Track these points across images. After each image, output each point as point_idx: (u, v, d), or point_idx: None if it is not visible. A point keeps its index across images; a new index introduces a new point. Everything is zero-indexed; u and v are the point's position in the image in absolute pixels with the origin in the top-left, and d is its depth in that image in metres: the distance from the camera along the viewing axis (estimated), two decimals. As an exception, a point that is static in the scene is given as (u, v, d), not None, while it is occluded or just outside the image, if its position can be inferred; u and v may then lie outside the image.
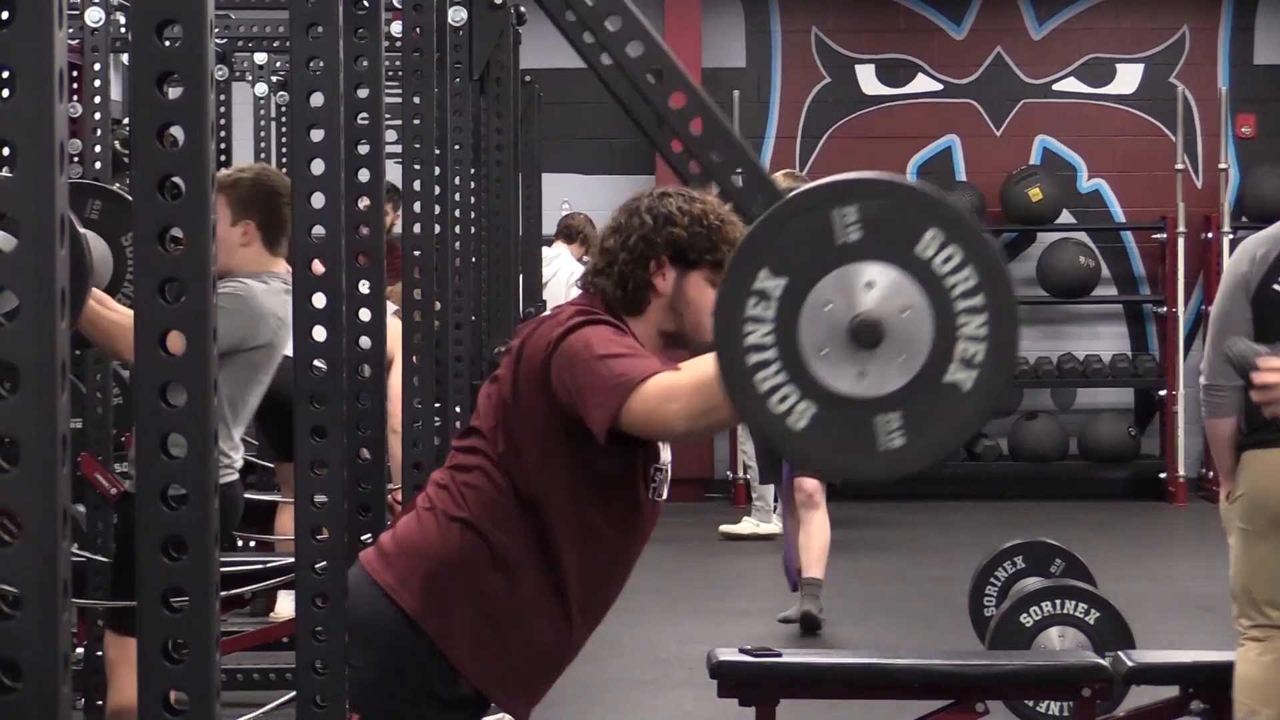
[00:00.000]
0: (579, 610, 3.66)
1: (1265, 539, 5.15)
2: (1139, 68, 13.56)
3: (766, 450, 8.18)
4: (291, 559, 3.52)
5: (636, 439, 3.50)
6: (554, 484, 3.56)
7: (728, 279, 2.95)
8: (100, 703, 6.54)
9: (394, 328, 5.45)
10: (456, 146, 6.34)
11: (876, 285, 2.94)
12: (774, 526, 11.11)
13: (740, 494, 12.57)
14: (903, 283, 2.95)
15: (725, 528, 11.37)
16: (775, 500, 11.46)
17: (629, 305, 3.63)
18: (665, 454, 3.69)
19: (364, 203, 3.67)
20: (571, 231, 11.56)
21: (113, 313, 5.05)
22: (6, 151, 1.68)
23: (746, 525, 11.32)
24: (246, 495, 8.41)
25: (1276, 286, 5.16)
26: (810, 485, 8.23)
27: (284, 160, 11.32)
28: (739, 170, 3.15)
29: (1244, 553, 5.20)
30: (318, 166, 3.28)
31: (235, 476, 5.73)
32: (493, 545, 3.57)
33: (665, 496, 3.72)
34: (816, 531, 8.25)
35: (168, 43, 1.98)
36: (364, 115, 3.65)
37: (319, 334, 3.29)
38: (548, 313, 3.70)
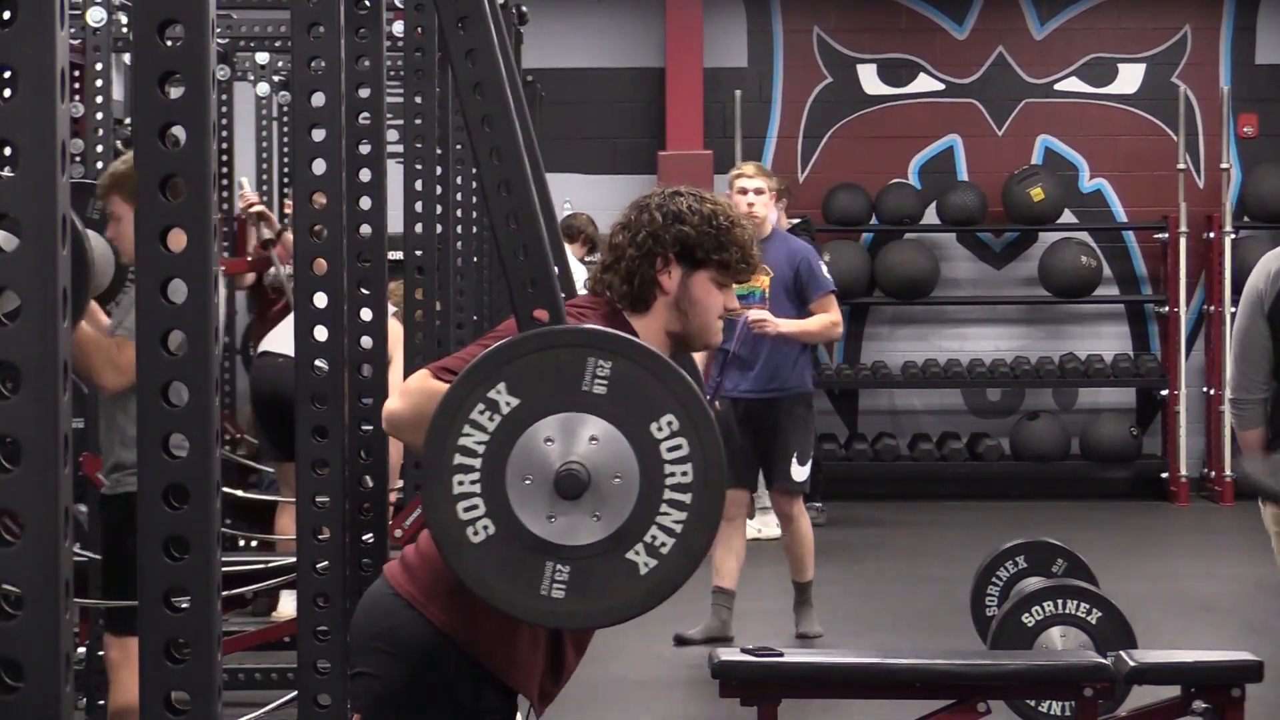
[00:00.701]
0: None
1: None
2: (1141, 67, 13.56)
3: (731, 452, 7.98)
4: (293, 559, 3.52)
5: None
6: None
7: (466, 376, 2.99)
8: (101, 703, 6.53)
9: (394, 329, 5.44)
10: (458, 146, 6.34)
11: (599, 442, 2.99)
12: (776, 530, 11.09)
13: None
14: (624, 451, 2.99)
15: None
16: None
17: (635, 302, 3.64)
18: None
19: (364, 201, 3.67)
20: (573, 231, 11.55)
21: (87, 328, 5.01)
22: (8, 151, 1.68)
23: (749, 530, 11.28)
24: (247, 495, 8.43)
25: None
26: (785, 498, 8.23)
27: (286, 160, 11.32)
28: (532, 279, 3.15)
29: None
30: (319, 166, 3.28)
31: None
32: None
33: None
34: (801, 537, 8.22)
35: (169, 42, 1.98)
36: (365, 115, 3.65)
37: (320, 334, 3.29)
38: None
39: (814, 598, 8.26)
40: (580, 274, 11.37)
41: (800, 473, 8.11)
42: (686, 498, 3.01)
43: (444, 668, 3.55)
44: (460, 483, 3.00)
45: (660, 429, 3.00)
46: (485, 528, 3.00)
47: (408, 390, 3.38)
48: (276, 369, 8.48)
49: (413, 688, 3.55)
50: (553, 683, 3.70)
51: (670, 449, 3.01)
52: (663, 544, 3.02)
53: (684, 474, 3.01)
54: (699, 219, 3.65)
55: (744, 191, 7.95)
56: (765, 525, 11.19)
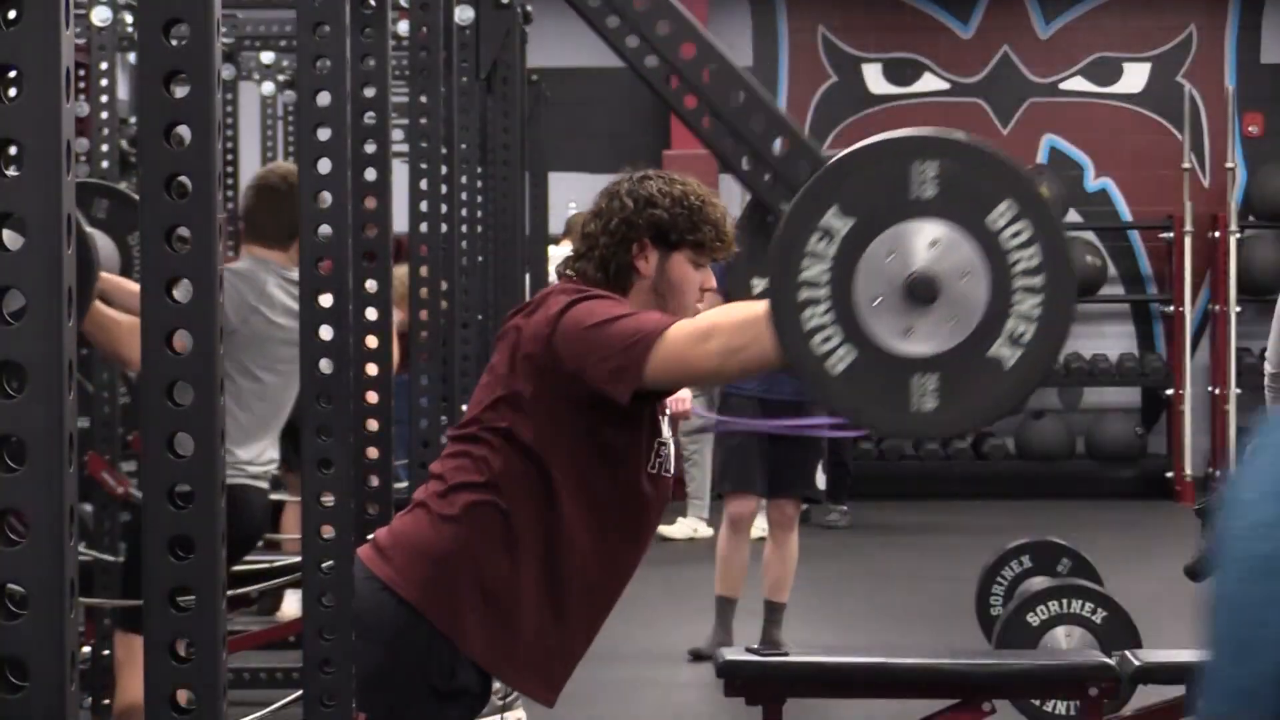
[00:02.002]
0: (587, 591, 3.65)
1: None
2: (1146, 67, 13.55)
3: (744, 460, 7.76)
4: (297, 558, 3.52)
5: (643, 411, 3.51)
6: (561, 465, 3.56)
7: (796, 207, 2.95)
8: (107, 702, 6.54)
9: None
10: (463, 145, 6.34)
11: (940, 245, 2.95)
12: (705, 531, 11.02)
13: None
14: (967, 247, 2.95)
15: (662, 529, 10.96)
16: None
17: (611, 289, 3.64)
18: (666, 429, 3.69)
19: (369, 201, 3.67)
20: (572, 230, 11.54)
21: (115, 312, 5.01)
22: (14, 150, 1.68)
23: (682, 528, 11.13)
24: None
25: None
26: (791, 509, 7.95)
27: (291, 159, 11.32)
28: (780, 138, 3.15)
29: None
30: (324, 165, 3.28)
31: (242, 479, 5.49)
32: (494, 532, 3.57)
33: (671, 472, 3.72)
34: (791, 555, 7.94)
35: (175, 42, 1.98)
36: (371, 114, 3.65)
37: (325, 333, 3.28)
38: (535, 297, 3.70)
39: (817, 596, 8.24)
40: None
41: (822, 480, 7.95)
42: (1038, 280, 2.96)
43: (416, 648, 3.56)
44: (811, 317, 2.94)
45: (998, 219, 2.95)
46: (845, 356, 2.95)
47: (701, 332, 3.29)
48: None
49: (385, 670, 3.55)
50: (563, 664, 3.69)
51: (1012, 235, 2.95)
52: (1024, 332, 2.97)
53: (1030, 258, 2.96)
54: (670, 200, 3.65)
55: None
56: (701, 525, 11.07)
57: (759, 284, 3.46)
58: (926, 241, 2.95)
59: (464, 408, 6.33)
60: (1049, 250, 2.96)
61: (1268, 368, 5.69)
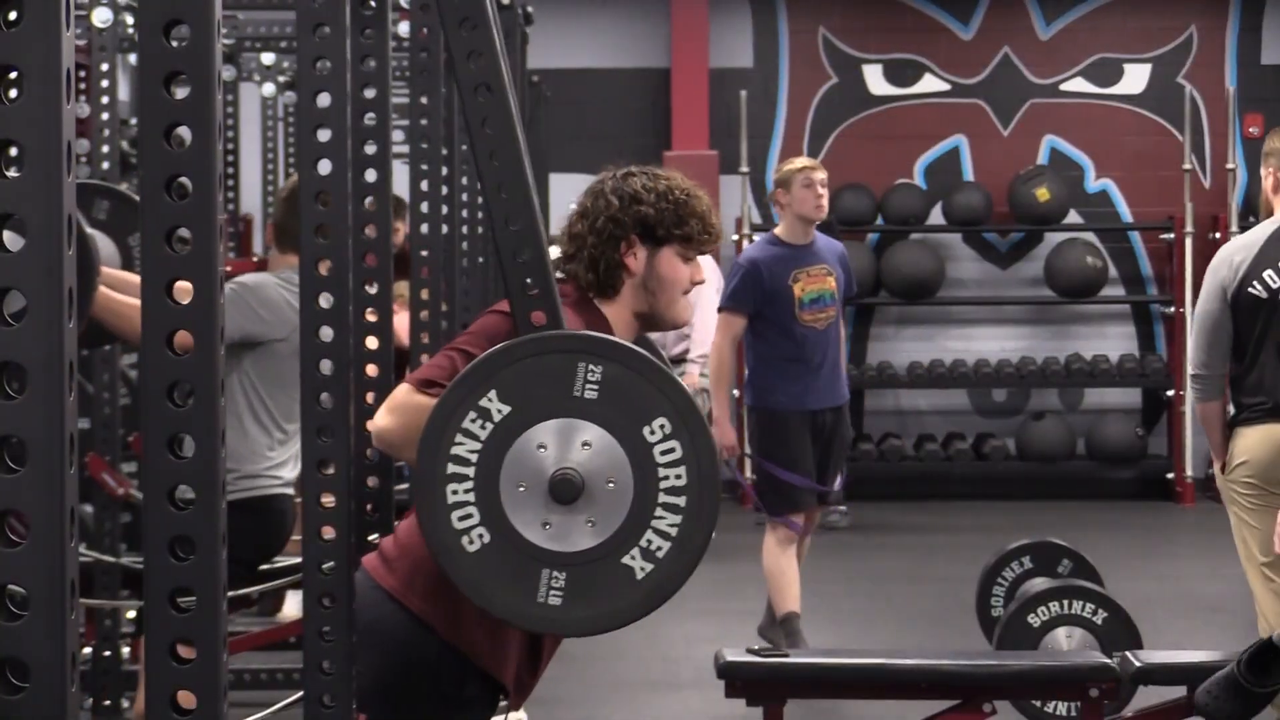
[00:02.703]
0: None
1: (1266, 497, 5.91)
2: (1146, 68, 13.55)
3: (777, 482, 7.64)
4: (298, 559, 3.52)
5: None
6: None
7: (456, 385, 3.00)
8: (108, 703, 6.54)
9: (400, 320, 5.45)
10: (463, 147, 6.34)
11: (593, 447, 3.00)
12: None
13: (746, 496, 12.56)
14: (618, 455, 2.99)
15: None
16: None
17: (602, 288, 3.64)
18: None
19: (369, 201, 3.67)
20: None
21: (128, 299, 5.01)
22: (14, 152, 1.68)
23: None
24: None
25: (1251, 290, 5.91)
26: (815, 516, 7.95)
27: (291, 160, 11.32)
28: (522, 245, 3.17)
29: (1253, 519, 5.97)
30: (325, 167, 3.28)
31: (278, 489, 5.58)
32: None
33: None
34: (802, 557, 7.92)
35: (175, 43, 1.98)
36: (371, 115, 3.65)
37: (325, 334, 3.29)
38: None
39: (818, 597, 8.24)
40: None
41: (839, 481, 7.92)
42: (681, 500, 3.02)
43: (426, 657, 3.56)
44: (454, 491, 3.01)
45: (653, 432, 3.00)
46: (480, 536, 3.01)
47: (395, 407, 3.40)
48: None
49: (397, 679, 3.55)
50: (530, 674, 3.70)
51: (664, 452, 3.01)
52: (659, 548, 3.02)
53: (678, 476, 3.01)
54: (655, 196, 3.65)
55: (814, 185, 7.73)
56: None
57: None
58: (580, 440, 3.00)
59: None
60: (697, 472, 3.00)
61: (1190, 369, 6.15)
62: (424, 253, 5.58)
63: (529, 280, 3.11)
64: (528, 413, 2.99)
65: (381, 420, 3.41)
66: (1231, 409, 6.11)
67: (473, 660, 3.56)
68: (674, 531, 3.01)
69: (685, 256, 3.65)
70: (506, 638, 3.58)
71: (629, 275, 3.64)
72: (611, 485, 3.00)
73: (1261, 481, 5.94)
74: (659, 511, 3.01)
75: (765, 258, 7.66)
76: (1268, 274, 5.90)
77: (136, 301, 5.11)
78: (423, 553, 3.59)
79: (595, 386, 2.99)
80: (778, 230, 7.77)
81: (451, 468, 3.00)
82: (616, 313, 3.63)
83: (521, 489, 3.00)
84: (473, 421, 2.99)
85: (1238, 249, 6.01)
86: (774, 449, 7.63)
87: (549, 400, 2.99)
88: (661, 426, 3.00)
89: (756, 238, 10.49)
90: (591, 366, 2.99)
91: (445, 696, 3.57)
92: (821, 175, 7.77)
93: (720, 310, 7.72)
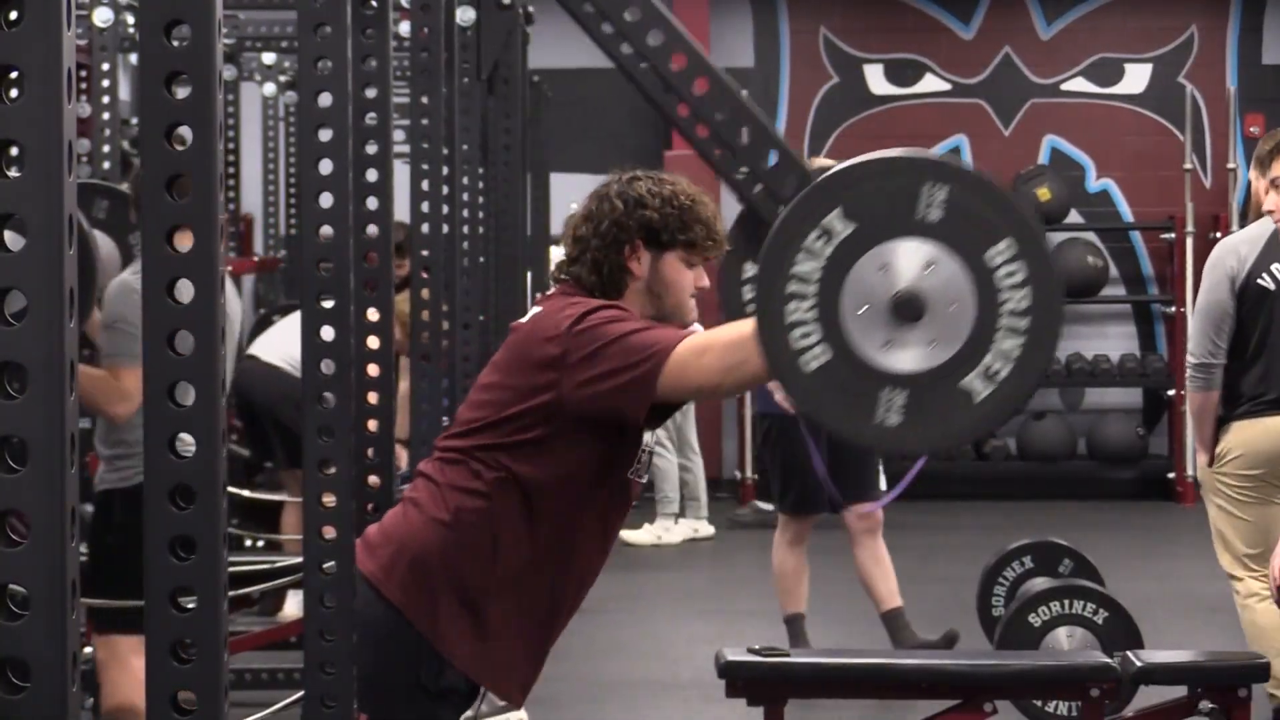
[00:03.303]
0: (564, 591, 3.66)
1: (1257, 492, 6.05)
2: (1147, 68, 13.55)
3: (805, 480, 7.51)
4: (299, 559, 3.52)
5: (643, 420, 3.52)
6: (550, 476, 3.56)
7: (800, 202, 2.97)
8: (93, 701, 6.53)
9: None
10: (464, 146, 6.34)
11: (935, 268, 2.97)
12: (676, 537, 11.00)
13: (747, 493, 12.57)
14: (961, 277, 2.97)
15: (626, 534, 10.53)
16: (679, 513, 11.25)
17: (606, 292, 3.63)
18: (649, 436, 3.69)
19: (372, 202, 3.67)
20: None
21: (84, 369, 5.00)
22: (15, 151, 1.68)
23: (647, 534, 11.00)
24: (254, 496, 8.42)
25: (1260, 281, 5.99)
26: (870, 512, 7.71)
27: (292, 160, 11.33)
28: (770, 150, 3.19)
29: (1238, 509, 6.11)
30: (326, 166, 3.28)
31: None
32: (480, 538, 3.57)
33: (645, 478, 3.73)
34: (885, 558, 7.77)
35: (176, 43, 1.98)
36: (372, 115, 3.65)
37: (326, 334, 3.29)
38: (538, 310, 3.69)
39: (819, 597, 8.21)
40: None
41: (883, 482, 7.76)
42: (1023, 323, 2.98)
43: (405, 648, 3.56)
44: (794, 310, 2.96)
45: (997, 255, 2.97)
46: (820, 355, 2.97)
47: (700, 348, 3.35)
48: (252, 374, 8.44)
49: (375, 668, 3.55)
50: (534, 669, 3.70)
51: (1007, 275, 2.97)
52: (998, 371, 2.99)
53: (1021, 299, 2.98)
54: (660, 201, 3.64)
55: None
56: (666, 533, 11.03)
57: (750, 291, 3.48)
58: (922, 262, 2.97)
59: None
60: (1040, 294, 2.98)
61: (1191, 360, 6.19)
62: (424, 252, 5.58)
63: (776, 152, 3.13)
64: (871, 232, 2.96)
65: (700, 366, 3.34)
66: (1221, 403, 6.19)
67: (442, 654, 3.56)
68: (1015, 354, 2.98)
69: (689, 262, 3.64)
70: (485, 633, 3.58)
71: (633, 279, 3.63)
72: (954, 307, 2.98)
73: (1266, 474, 6.01)
74: (1000, 334, 2.98)
75: None
76: (1276, 266, 6.02)
77: (87, 368, 5.09)
78: (403, 543, 3.59)
79: (940, 208, 2.96)
80: None
81: (792, 286, 2.96)
82: None
83: (863, 309, 2.97)
84: (816, 240, 2.95)
85: (1242, 241, 6.14)
86: (786, 453, 7.54)
87: (893, 221, 2.96)
88: (1005, 250, 2.97)
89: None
90: (936, 188, 2.96)
91: (424, 687, 3.58)
92: None
93: None
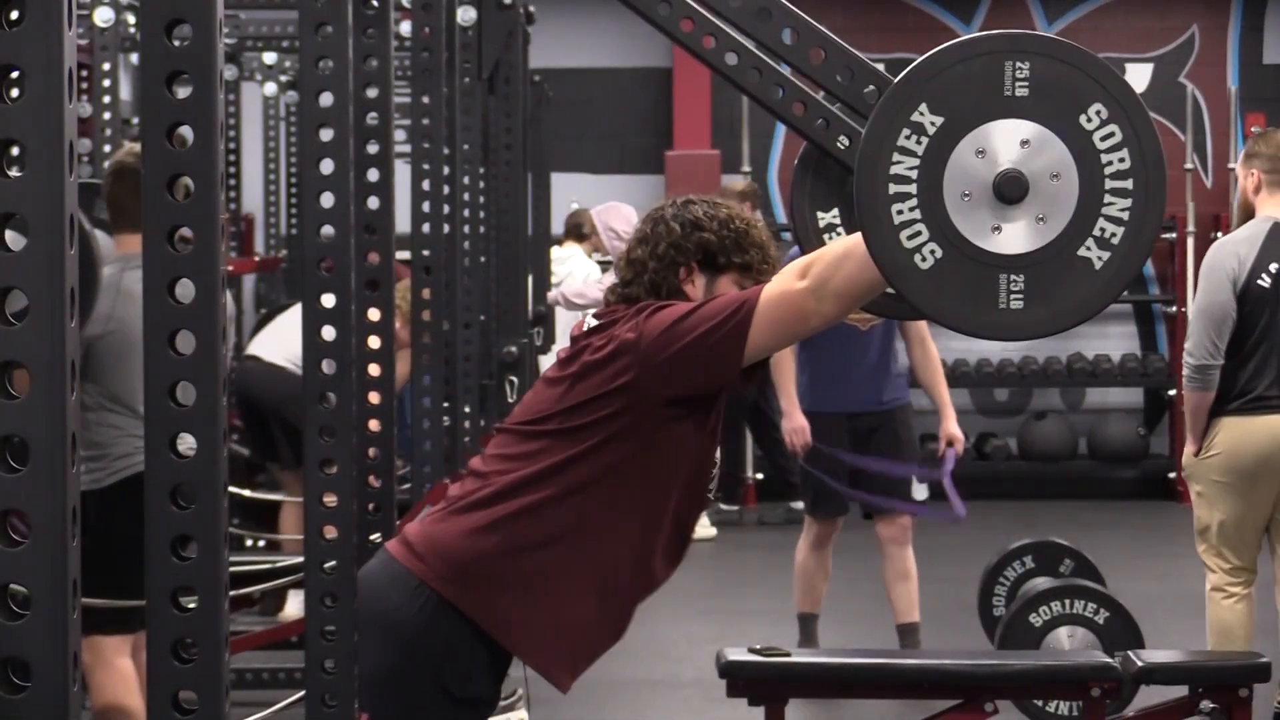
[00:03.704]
0: (625, 591, 3.65)
1: (1236, 491, 6.23)
2: (1148, 67, 13.55)
3: (820, 482, 7.41)
4: (300, 558, 3.52)
5: (715, 406, 3.53)
6: (622, 481, 3.55)
7: (884, 103, 2.95)
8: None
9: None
10: (465, 146, 6.35)
11: (1032, 144, 2.96)
12: (708, 531, 11.00)
13: (750, 494, 12.56)
14: (1058, 148, 2.96)
15: None
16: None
17: None
18: (716, 454, 3.69)
19: (373, 202, 3.67)
20: (581, 230, 11.51)
21: None
22: (16, 151, 1.68)
23: None
24: (255, 495, 8.42)
25: (1259, 282, 6.07)
26: (905, 520, 7.63)
27: (293, 160, 11.33)
28: (846, 66, 3.21)
29: (1217, 502, 6.37)
30: (327, 166, 3.28)
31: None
32: (542, 533, 3.54)
33: (713, 495, 3.73)
34: (912, 570, 7.68)
35: (177, 42, 1.98)
36: (373, 115, 3.65)
37: (328, 333, 3.29)
38: (600, 320, 3.66)
39: (825, 598, 8.20)
40: (594, 272, 11.34)
41: (920, 490, 7.71)
42: (1128, 184, 2.97)
43: (433, 650, 3.54)
44: (899, 211, 2.94)
45: (1090, 120, 2.96)
46: (933, 252, 2.94)
47: (792, 273, 3.32)
48: (255, 374, 8.43)
49: (400, 671, 3.54)
50: (577, 657, 3.69)
51: (1104, 138, 2.96)
52: (1113, 234, 2.97)
53: (1121, 160, 2.97)
54: (717, 224, 3.65)
55: None
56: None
57: (824, 218, 3.45)
58: (1017, 140, 2.96)
59: (466, 408, 6.34)
60: (1140, 154, 2.97)
61: (1190, 360, 6.25)
62: (425, 252, 5.58)
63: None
64: (962, 120, 2.94)
65: (799, 290, 3.31)
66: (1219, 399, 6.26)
67: (504, 645, 3.56)
68: (1126, 216, 2.96)
69: (741, 285, 3.63)
70: (550, 624, 3.58)
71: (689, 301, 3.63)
72: (1056, 179, 2.95)
73: (1247, 471, 6.21)
74: (1108, 198, 2.96)
75: None
76: (1273, 266, 6.09)
77: None
78: (458, 542, 3.56)
79: (1025, 83, 2.94)
80: None
81: (893, 188, 2.94)
82: None
83: (967, 197, 2.95)
84: (907, 138, 2.94)
85: (1239, 242, 6.16)
86: (807, 455, 7.49)
87: (981, 104, 2.95)
88: (1099, 113, 2.96)
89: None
90: (1019, 64, 2.96)
91: (449, 691, 3.56)
92: None
93: None
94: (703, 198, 3.73)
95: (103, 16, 6.79)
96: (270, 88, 11.11)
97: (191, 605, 2.04)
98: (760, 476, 12.63)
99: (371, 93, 3.65)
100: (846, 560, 9.74)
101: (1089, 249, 2.97)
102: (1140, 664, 5.30)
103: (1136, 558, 10.46)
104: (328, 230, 3.29)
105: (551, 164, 12.10)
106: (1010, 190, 2.93)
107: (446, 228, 5.78)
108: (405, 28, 6.57)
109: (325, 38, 3.25)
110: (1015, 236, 2.96)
